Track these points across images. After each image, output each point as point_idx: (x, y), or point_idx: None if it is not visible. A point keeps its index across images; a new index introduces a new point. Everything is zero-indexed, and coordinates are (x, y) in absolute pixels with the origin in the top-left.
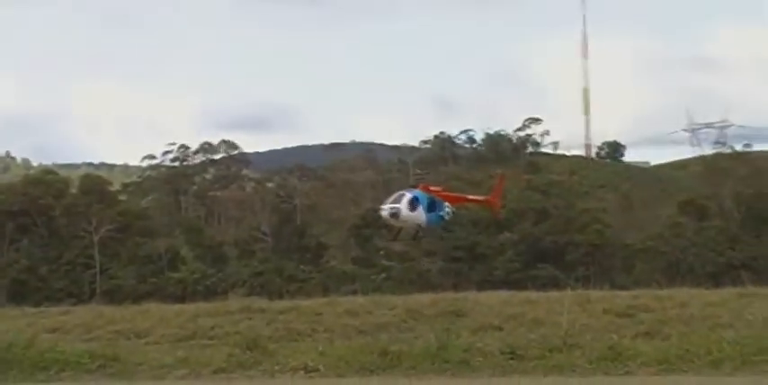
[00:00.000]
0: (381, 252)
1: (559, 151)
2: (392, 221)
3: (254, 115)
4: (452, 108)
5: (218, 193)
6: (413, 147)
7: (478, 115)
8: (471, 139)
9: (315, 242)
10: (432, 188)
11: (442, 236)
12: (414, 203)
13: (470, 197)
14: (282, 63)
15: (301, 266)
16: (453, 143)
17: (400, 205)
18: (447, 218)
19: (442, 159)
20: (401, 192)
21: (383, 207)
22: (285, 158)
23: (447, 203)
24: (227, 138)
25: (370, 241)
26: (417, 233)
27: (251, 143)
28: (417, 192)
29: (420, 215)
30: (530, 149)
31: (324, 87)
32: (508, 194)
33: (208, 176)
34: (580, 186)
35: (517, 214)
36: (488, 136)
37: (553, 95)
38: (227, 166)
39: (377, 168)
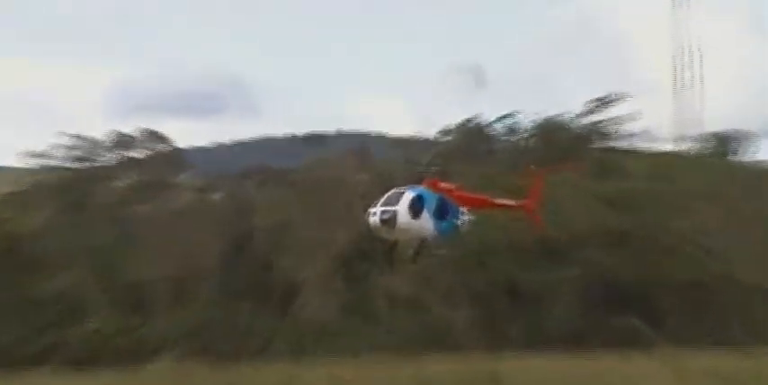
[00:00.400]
0: (381, 294)
1: (643, 145)
2: (384, 232)
3: (195, 94)
4: (486, 85)
5: (142, 208)
6: (427, 141)
7: (524, 95)
8: (513, 129)
9: (283, 280)
10: (442, 185)
11: (468, 268)
12: (417, 206)
13: (498, 201)
14: (238, 20)
15: (263, 315)
16: (487, 134)
17: (398, 208)
18: (464, 228)
19: (469, 156)
20: (399, 190)
21: (372, 210)
22: (239, 157)
23: (464, 208)
24: (154, 127)
25: (364, 278)
26: (420, 250)
27: (190, 134)
28: (422, 189)
29: (425, 223)
30: (599, 143)
31: (297, 55)
32: (568, 208)
33: (126, 183)
34: (674, 197)
35: (580, 237)
36: (539, 124)
37: (635, 66)
38: (155, 168)
39: (375, 170)
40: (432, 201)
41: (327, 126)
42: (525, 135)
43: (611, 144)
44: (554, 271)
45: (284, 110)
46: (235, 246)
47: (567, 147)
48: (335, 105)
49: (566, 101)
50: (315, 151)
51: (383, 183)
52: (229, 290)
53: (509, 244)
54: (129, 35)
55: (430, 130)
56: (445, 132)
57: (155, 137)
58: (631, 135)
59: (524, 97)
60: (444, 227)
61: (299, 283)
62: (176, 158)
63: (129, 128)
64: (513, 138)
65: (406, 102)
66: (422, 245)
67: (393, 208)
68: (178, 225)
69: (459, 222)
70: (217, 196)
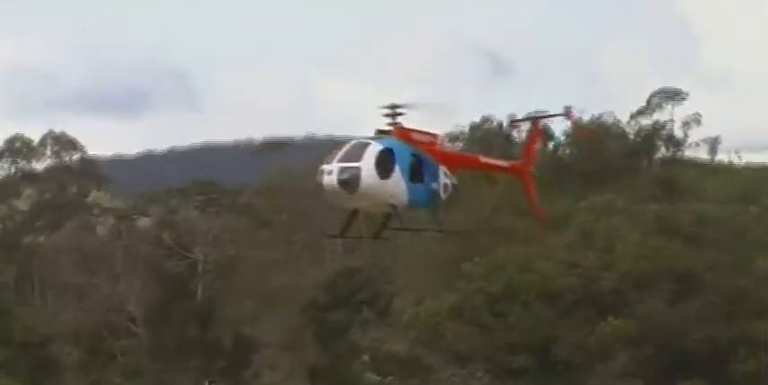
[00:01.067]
0: (366, 356)
1: (720, 157)
2: (341, 197)
3: (117, 88)
4: (506, 74)
5: (43, 240)
6: None
7: (559, 88)
8: (546, 133)
9: (232, 336)
10: (418, 136)
11: (485, 320)
12: (386, 162)
13: (487, 160)
14: None
15: (206, 383)
16: (508, 138)
17: (361, 164)
18: (445, 194)
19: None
20: (362, 141)
21: (325, 167)
22: (175, 169)
23: (445, 169)
24: (61, 128)
25: (342, 332)
26: (386, 222)
27: (109, 139)
28: (392, 141)
29: (397, 186)
30: (662, 152)
31: (251, 38)
32: (621, 242)
33: (22, 204)
34: (763, 226)
35: (636, 281)
36: (577, 125)
37: (707, 52)
38: (61, 185)
39: None
40: (405, 157)
41: (293, 129)
42: (562, 140)
43: (680, 155)
44: (600, 325)
45: (235, 109)
46: (169, 290)
47: (618, 159)
48: (303, 103)
49: (617, 95)
50: (276, 163)
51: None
52: (161, 349)
53: (542, 289)
54: (31, 5)
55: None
56: (453, 138)
57: (62, 142)
58: (706, 141)
59: (559, 91)
60: (421, 192)
61: (255, 341)
62: (90, 171)
63: (28, 129)
64: (545, 146)
65: (398, 98)
66: (391, 213)
67: (355, 164)
68: (93, 262)
69: (438, 185)
70: (145, 222)
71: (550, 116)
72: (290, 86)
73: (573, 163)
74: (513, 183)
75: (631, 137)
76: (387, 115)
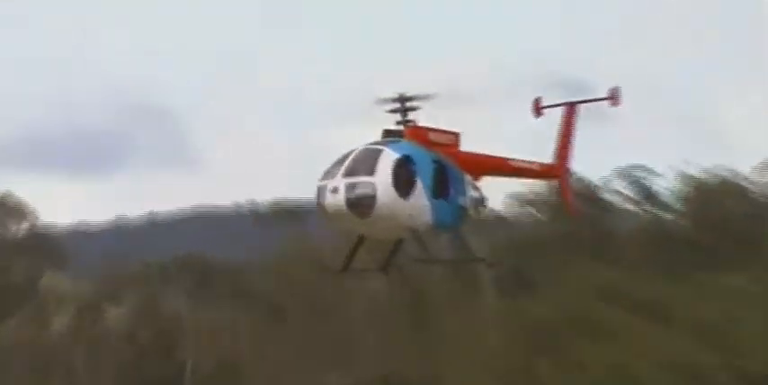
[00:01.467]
0: None
1: None
2: (351, 221)
3: (80, 136)
4: (600, 120)
5: None
6: (492, 217)
7: (666, 132)
8: (644, 191)
9: None
10: (434, 138)
11: None
12: (405, 174)
13: (516, 164)
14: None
15: None
16: (601, 203)
17: (375, 179)
18: (472, 210)
19: (570, 245)
20: (372, 147)
21: (327, 184)
22: (156, 243)
23: (470, 177)
24: (6, 188)
25: None
26: (397, 249)
27: (68, 204)
28: (409, 145)
29: (418, 203)
30: None
31: (251, 73)
32: (736, 330)
33: None
34: None
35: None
36: (685, 183)
37: None
38: (7, 264)
39: (398, 270)
40: (426, 166)
41: (306, 191)
42: (670, 203)
43: None
44: None
45: (233, 165)
46: None
47: (739, 223)
48: (316, 158)
49: (732, 145)
50: (287, 235)
51: (414, 294)
52: None
53: None
54: None
55: (495, 198)
56: (524, 201)
57: (8, 207)
58: None
59: (666, 137)
60: (446, 210)
61: None
62: (46, 244)
63: None
64: (648, 210)
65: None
66: (409, 236)
67: (367, 179)
68: (49, 364)
69: (464, 200)
70: (116, 312)
71: (591, 100)
72: (302, 137)
73: (680, 230)
74: (598, 265)
75: (756, 196)
76: (395, 111)
